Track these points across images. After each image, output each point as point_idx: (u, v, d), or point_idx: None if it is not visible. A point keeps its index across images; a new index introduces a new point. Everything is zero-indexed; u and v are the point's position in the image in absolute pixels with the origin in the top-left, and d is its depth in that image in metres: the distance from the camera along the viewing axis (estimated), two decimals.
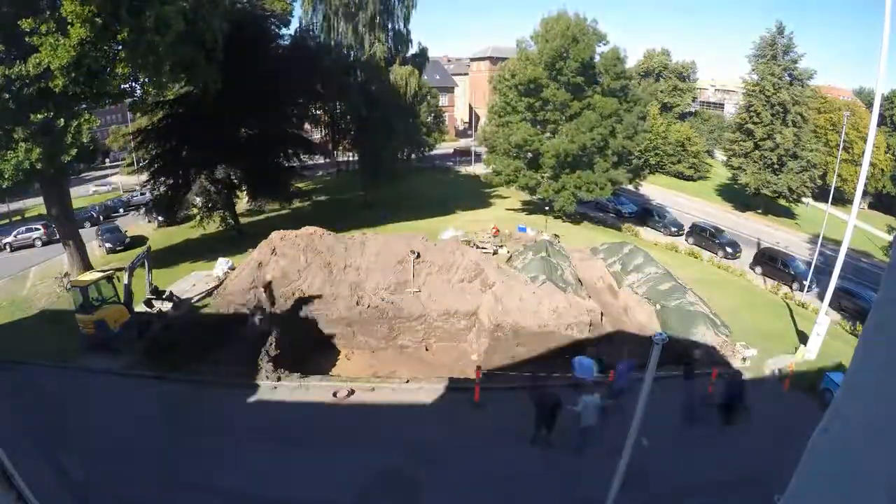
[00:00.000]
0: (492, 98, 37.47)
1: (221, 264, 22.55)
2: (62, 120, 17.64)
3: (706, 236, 33.14)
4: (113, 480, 10.46)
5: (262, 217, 32.77)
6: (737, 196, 45.52)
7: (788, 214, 43.63)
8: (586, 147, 30.77)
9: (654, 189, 47.43)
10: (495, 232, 27.74)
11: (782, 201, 42.31)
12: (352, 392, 13.99)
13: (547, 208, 32.78)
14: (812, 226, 37.26)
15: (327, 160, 38.66)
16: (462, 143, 67.32)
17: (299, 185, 32.49)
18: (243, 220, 31.23)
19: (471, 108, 75.26)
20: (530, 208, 36.24)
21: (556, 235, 28.07)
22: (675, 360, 14.36)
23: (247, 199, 32.46)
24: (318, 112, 32.81)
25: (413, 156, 38.09)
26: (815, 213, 41.99)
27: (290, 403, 13.66)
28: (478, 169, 48.69)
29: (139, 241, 28.18)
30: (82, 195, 42.47)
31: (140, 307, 17.95)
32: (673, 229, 35.59)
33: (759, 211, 43.35)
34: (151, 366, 15.13)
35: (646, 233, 35.53)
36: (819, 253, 25.02)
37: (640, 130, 34.24)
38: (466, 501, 10.54)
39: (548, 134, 33.06)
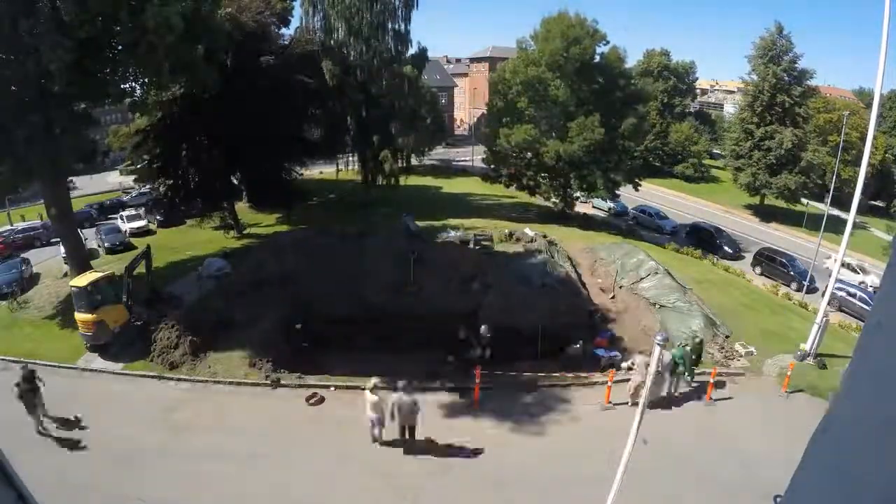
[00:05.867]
0: (492, 98, 37.42)
1: (213, 264, 22.34)
2: (62, 120, 17.59)
3: (706, 236, 33.10)
4: (112, 480, 10.47)
5: (263, 218, 32.73)
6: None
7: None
8: (587, 148, 30.76)
9: (659, 191, 47.29)
10: None
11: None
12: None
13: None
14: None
15: (327, 161, 38.59)
16: (462, 143, 67.25)
17: (302, 186, 32.43)
18: (244, 221, 31.17)
19: (471, 108, 75.26)
20: (538, 215, 35.65)
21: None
22: None
23: (246, 200, 32.43)
24: (316, 112, 32.74)
25: (413, 157, 38.06)
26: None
27: (289, 403, 13.66)
28: (480, 172, 48.51)
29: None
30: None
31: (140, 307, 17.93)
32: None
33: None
34: (151, 366, 15.12)
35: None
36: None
37: (642, 131, 34.15)
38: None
39: (549, 134, 33.03)
